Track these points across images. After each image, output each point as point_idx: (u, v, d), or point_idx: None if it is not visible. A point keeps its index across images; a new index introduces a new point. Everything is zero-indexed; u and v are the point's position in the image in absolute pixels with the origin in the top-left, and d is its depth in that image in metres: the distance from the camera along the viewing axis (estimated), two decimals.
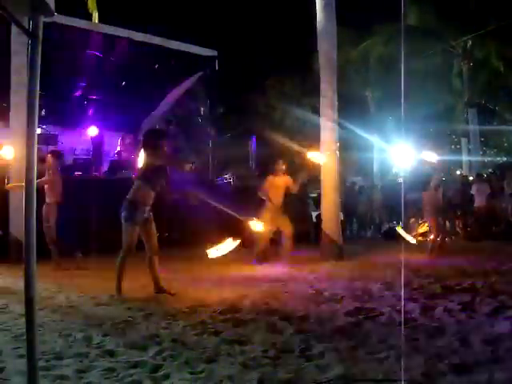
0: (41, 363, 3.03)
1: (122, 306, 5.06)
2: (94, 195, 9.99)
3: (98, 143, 13.08)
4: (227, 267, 7.73)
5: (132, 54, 13.11)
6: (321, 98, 9.61)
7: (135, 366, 3.22)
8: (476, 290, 5.67)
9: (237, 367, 3.16)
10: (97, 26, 12.91)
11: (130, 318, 4.50)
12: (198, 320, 4.41)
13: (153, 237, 5.69)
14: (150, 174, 5.52)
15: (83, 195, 9.80)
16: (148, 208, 5.59)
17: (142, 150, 5.67)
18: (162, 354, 3.44)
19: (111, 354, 3.47)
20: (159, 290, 5.69)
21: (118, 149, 13.45)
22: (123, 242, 5.54)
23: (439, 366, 3.10)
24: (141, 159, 5.66)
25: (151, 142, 5.64)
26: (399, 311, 4.60)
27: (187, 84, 15.50)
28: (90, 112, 14.63)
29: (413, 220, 13.42)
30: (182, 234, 11.18)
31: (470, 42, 18.71)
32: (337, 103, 9.54)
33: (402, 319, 4.15)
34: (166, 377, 3.01)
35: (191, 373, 3.07)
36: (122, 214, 5.50)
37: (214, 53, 14.54)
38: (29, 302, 2.00)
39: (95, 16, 13.37)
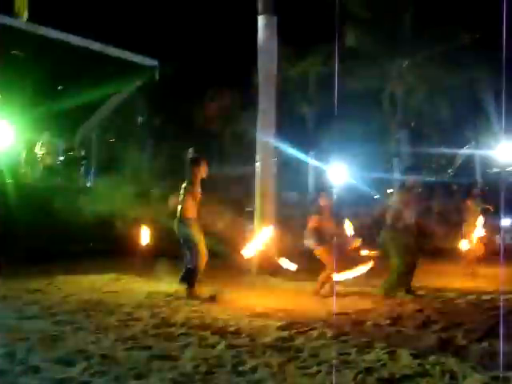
0: None
1: (50, 320, 4.86)
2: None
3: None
4: (155, 282, 7.64)
5: (68, 58, 12.76)
6: (259, 113, 9.71)
7: (61, 382, 3.09)
8: (405, 304, 5.85)
9: (167, 383, 3.10)
10: (32, 26, 12.48)
11: (57, 332, 4.33)
12: (128, 334, 4.30)
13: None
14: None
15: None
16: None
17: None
18: (90, 369, 3.33)
19: (36, 370, 3.32)
20: None
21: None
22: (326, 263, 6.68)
23: (369, 379, 3.17)
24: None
25: None
26: (331, 326, 4.67)
27: (126, 92, 15.27)
28: None
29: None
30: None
31: (405, 66, 19.46)
32: (275, 119, 9.66)
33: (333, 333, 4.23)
34: None
35: None
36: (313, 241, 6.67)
37: (155, 62, 14.40)
38: None
39: (25, 15, 12.87)
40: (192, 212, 6.37)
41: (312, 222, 6.73)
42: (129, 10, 19.09)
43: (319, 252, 6.65)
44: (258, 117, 9.71)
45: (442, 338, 4.18)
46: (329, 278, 6.63)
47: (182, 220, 6.35)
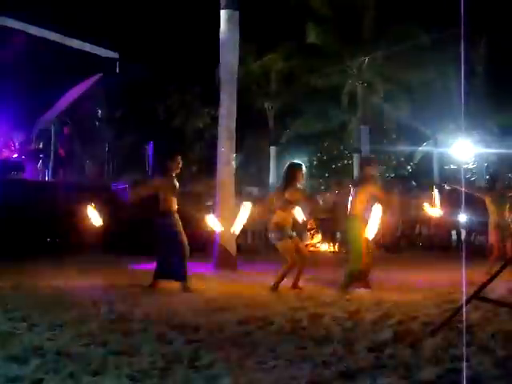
0: None
1: (4, 316, 4.74)
2: None
3: None
4: (114, 276, 7.56)
5: (27, 49, 12.46)
6: (220, 108, 9.69)
7: (13, 381, 3.02)
8: (362, 298, 5.94)
9: (123, 380, 3.06)
10: None
11: (10, 329, 4.22)
12: (85, 331, 4.23)
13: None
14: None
15: None
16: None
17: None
18: (45, 367, 3.25)
19: None
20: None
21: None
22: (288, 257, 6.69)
23: (325, 373, 3.20)
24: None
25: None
26: (289, 320, 4.70)
27: (85, 84, 15.01)
28: None
29: (308, 232, 13.83)
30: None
31: (365, 63, 19.67)
32: (236, 114, 9.65)
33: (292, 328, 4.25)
34: None
35: None
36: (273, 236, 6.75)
37: (115, 55, 14.21)
38: None
39: None
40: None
41: (275, 217, 6.76)
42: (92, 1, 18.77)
43: (280, 246, 6.70)
44: (220, 112, 9.69)
45: (398, 331, 4.26)
46: (289, 271, 6.68)
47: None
